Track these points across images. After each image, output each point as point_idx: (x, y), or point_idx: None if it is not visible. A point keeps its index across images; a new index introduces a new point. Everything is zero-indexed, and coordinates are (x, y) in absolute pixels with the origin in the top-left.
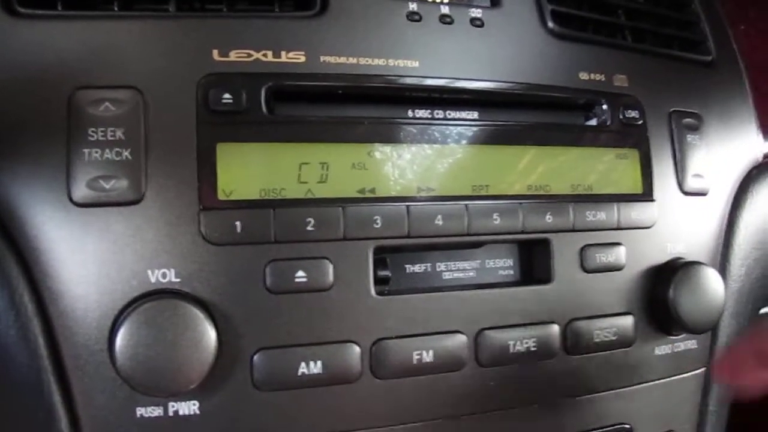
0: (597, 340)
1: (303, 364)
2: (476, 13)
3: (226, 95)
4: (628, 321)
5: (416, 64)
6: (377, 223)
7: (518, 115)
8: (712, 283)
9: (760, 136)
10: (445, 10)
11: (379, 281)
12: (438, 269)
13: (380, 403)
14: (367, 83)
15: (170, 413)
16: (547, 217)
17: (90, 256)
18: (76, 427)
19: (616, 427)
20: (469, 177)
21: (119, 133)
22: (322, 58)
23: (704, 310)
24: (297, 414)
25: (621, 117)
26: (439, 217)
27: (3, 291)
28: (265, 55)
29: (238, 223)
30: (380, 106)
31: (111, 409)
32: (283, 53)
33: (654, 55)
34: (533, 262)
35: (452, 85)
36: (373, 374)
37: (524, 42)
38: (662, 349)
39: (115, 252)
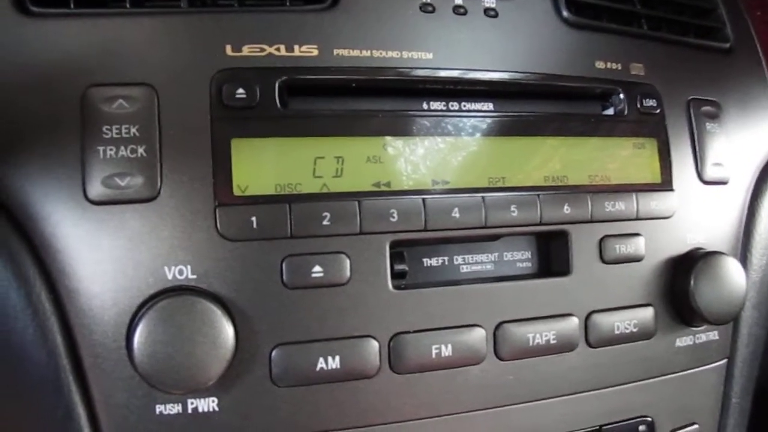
0: (617, 332)
1: (321, 360)
2: (490, 3)
3: (240, 90)
4: (648, 313)
5: (430, 55)
6: (393, 217)
7: (534, 105)
8: (733, 273)
9: None
10: (458, 0)
11: (396, 275)
12: (455, 262)
13: (399, 397)
14: (381, 76)
15: (189, 410)
16: (565, 208)
17: (106, 254)
18: (95, 425)
19: (637, 419)
20: (486, 169)
21: (133, 130)
22: (335, 52)
23: (725, 301)
24: (315, 409)
25: (638, 106)
26: (456, 209)
27: (20, 290)
28: (278, 50)
29: (253, 219)
30: (394, 99)
31: (130, 407)
32: (296, 47)
33: (671, 43)
34: (552, 254)
35: (467, 76)
36: (391, 369)
37: (539, 32)
38: (683, 341)
39: (132, 249)
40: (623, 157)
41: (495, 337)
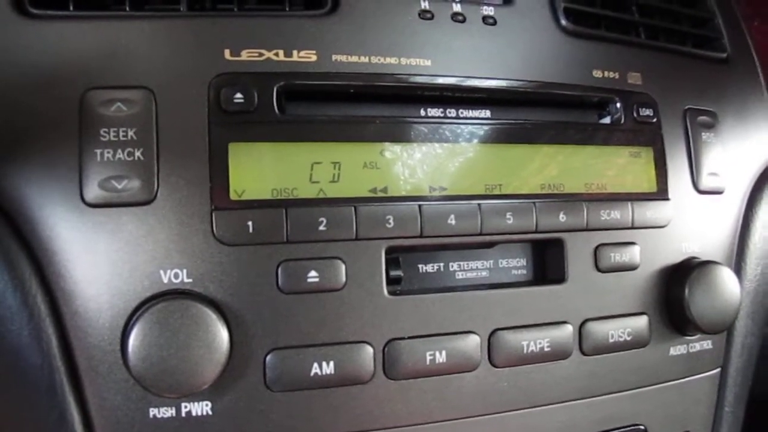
0: (611, 340)
1: (315, 365)
2: (489, 11)
3: (238, 95)
4: (642, 321)
5: (428, 62)
6: (390, 223)
7: (531, 113)
8: (728, 283)
9: None
10: (457, 8)
11: (392, 281)
12: (451, 269)
13: (393, 403)
14: (379, 82)
15: (183, 414)
16: (561, 216)
17: (102, 257)
18: (89, 428)
19: (630, 428)
20: (482, 176)
21: (131, 134)
22: (333, 57)
23: (719, 310)
24: (309, 414)
25: (635, 115)
26: (452, 216)
27: (16, 292)
28: (276, 55)
29: (250, 223)
30: (392, 105)
31: (124, 410)
32: (294, 52)
33: (668, 53)
34: (547, 261)
35: (464, 83)
36: (385, 375)
37: (537, 40)
38: (677, 350)
39: (128, 252)
40: (619, 166)
41: (489, 344)
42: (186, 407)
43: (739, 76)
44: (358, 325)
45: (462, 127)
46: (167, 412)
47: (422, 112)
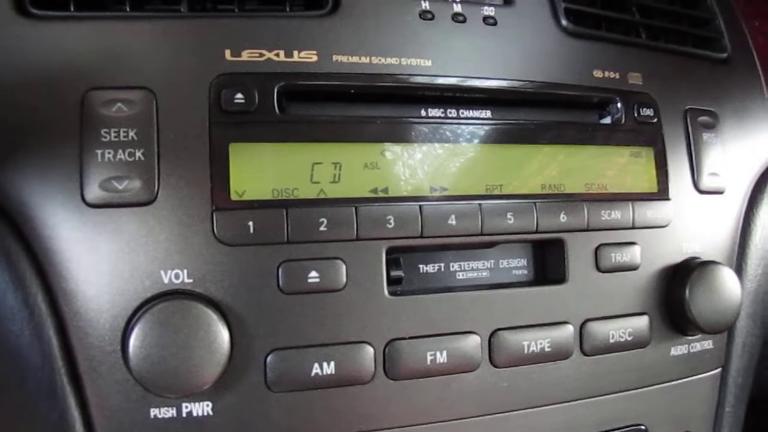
0: (612, 340)
1: (316, 365)
2: (489, 11)
3: (239, 95)
4: (643, 321)
5: (429, 63)
6: (390, 223)
7: (532, 113)
8: (729, 283)
9: None
10: (457, 8)
11: (392, 281)
12: (451, 269)
13: (393, 404)
14: (379, 82)
15: (184, 414)
16: (562, 216)
17: (103, 257)
18: (90, 429)
19: (631, 428)
20: (483, 176)
21: (132, 134)
22: (334, 58)
23: (720, 310)
24: (310, 415)
25: (635, 115)
26: (453, 216)
27: (17, 292)
28: (277, 55)
29: (250, 224)
30: (393, 106)
31: (125, 411)
32: (295, 53)
33: (669, 53)
34: (547, 261)
35: (465, 84)
36: (386, 375)
37: (537, 40)
38: (678, 350)
39: (128, 252)
40: (620, 166)
41: (490, 344)
42: (187, 407)
43: (739, 76)
44: (358, 325)
45: (462, 127)
46: (168, 413)
47: (423, 113)
